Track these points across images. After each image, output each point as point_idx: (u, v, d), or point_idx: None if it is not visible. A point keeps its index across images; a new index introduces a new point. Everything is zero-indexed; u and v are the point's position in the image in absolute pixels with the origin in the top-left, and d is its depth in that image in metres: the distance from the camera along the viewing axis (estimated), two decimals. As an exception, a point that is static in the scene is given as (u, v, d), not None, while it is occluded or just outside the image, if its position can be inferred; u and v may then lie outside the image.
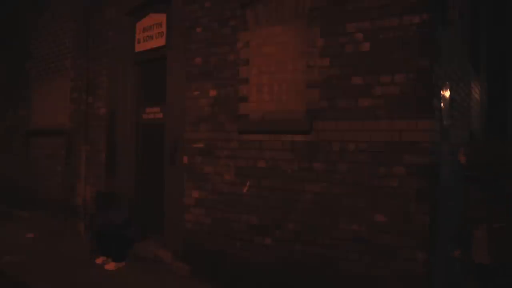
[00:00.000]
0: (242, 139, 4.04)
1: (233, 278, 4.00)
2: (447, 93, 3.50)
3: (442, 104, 3.27)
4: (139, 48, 5.50)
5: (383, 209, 3.10)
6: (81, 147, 6.12)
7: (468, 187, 3.13)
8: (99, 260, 4.73)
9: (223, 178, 4.17)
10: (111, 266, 4.58)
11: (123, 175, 5.60)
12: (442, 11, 3.24)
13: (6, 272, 4.48)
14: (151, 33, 5.31)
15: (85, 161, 6.04)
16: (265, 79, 3.91)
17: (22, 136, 7.55)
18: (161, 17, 5.16)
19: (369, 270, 3.14)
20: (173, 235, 4.66)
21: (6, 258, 4.87)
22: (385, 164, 3.11)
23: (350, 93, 3.31)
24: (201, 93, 4.45)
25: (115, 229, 4.76)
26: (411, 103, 3.02)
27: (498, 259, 2.89)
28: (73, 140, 6.31)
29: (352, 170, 3.28)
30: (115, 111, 5.67)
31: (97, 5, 6.03)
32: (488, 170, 3.04)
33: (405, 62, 3.04)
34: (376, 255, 3.12)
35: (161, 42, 5.14)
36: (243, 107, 4.07)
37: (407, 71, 3.04)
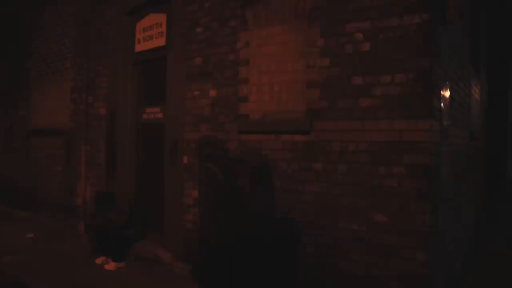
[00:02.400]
0: (242, 139, 4.04)
1: (233, 278, 3.99)
2: (447, 93, 3.51)
3: (442, 104, 3.27)
4: (139, 48, 5.50)
5: (383, 209, 3.11)
6: (81, 147, 6.12)
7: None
8: (99, 260, 4.74)
9: (223, 178, 4.17)
10: (111, 266, 4.58)
11: (123, 175, 5.60)
12: (442, 11, 3.24)
13: (6, 272, 4.49)
14: (151, 33, 5.31)
15: (85, 161, 6.05)
16: (265, 79, 3.91)
17: (22, 136, 7.55)
18: (161, 17, 5.17)
19: (369, 270, 3.14)
20: (173, 235, 4.66)
21: (6, 258, 4.87)
22: (385, 164, 3.12)
23: (350, 93, 3.31)
24: (201, 93, 4.46)
25: (115, 229, 4.76)
26: (411, 103, 3.02)
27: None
28: (73, 140, 6.31)
29: (352, 170, 3.28)
30: (115, 111, 5.67)
31: (97, 5, 6.03)
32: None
33: (405, 62, 3.04)
34: (376, 255, 3.12)
35: (161, 42, 5.15)
36: (243, 107, 4.07)
37: (407, 71, 3.04)
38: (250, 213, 2.75)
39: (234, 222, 2.84)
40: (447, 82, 3.52)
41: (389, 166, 3.10)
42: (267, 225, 2.58)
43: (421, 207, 2.94)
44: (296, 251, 2.80)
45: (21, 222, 6.81)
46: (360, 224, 3.21)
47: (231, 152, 3.43)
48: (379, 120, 3.15)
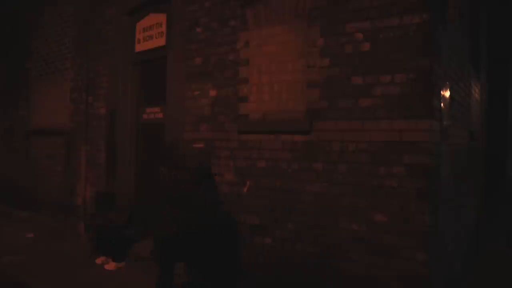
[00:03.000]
0: (242, 139, 4.04)
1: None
2: (447, 93, 3.51)
3: (442, 104, 3.27)
4: (139, 48, 5.50)
5: (383, 209, 3.11)
6: (81, 147, 6.12)
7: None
8: (99, 260, 4.74)
9: (223, 178, 4.17)
10: (111, 266, 4.58)
11: (123, 175, 5.60)
12: (442, 11, 3.24)
13: (6, 272, 4.48)
14: (151, 33, 5.31)
15: (85, 161, 6.05)
16: (265, 79, 3.91)
17: (22, 136, 7.55)
18: (161, 17, 5.16)
19: (369, 270, 3.14)
20: (173, 235, 4.66)
21: (6, 258, 4.87)
22: (385, 164, 3.11)
23: (350, 93, 3.31)
24: (201, 93, 4.45)
25: (115, 229, 4.76)
26: (411, 103, 3.02)
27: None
28: (73, 140, 6.31)
29: (352, 170, 3.28)
30: (115, 111, 5.67)
31: (97, 5, 6.03)
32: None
33: (405, 62, 3.04)
34: (376, 255, 3.12)
35: (161, 42, 5.15)
36: (243, 107, 4.07)
37: (407, 71, 3.04)
38: (192, 208, 3.39)
39: (177, 217, 3.42)
40: (447, 82, 3.52)
41: (389, 166, 3.09)
42: (207, 218, 3.36)
43: (421, 207, 2.94)
44: (235, 238, 3.73)
45: (21, 222, 6.81)
46: (360, 224, 3.21)
47: (187, 155, 3.89)
48: (379, 120, 3.15)
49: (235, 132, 4.10)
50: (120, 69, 5.64)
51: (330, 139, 3.42)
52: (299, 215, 3.57)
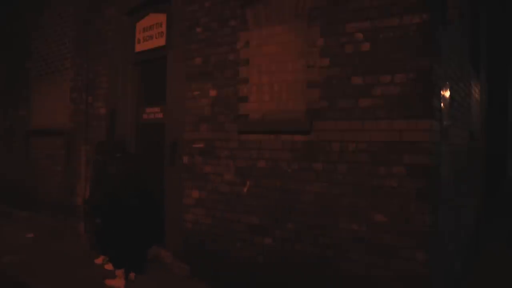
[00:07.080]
0: (242, 139, 4.04)
1: (233, 278, 4.00)
2: (447, 93, 3.51)
3: (442, 104, 3.27)
4: (139, 48, 5.50)
5: (383, 209, 3.11)
6: (81, 147, 6.12)
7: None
8: (99, 260, 4.74)
9: (223, 178, 4.17)
10: (110, 266, 4.57)
11: (123, 175, 5.59)
12: (442, 11, 3.24)
13: (6, 272, 4.49)
14: (151, 33, 5.31)
15: (85, 161, 6.05)
16: (265, 79, 3.91)
17: (22, 136, 7.55)
18: (161, 17, 5.16)
19: (369, 270, 3.14)
20: (173, 235, 4.66)
21: (6, 258, 4.87)
22: (385, 164, 3.11)
23: (350, 93, 3.31)
24: (201, 93, 4.46)
25: (115, 229, 4.75)
26: (411, 103, 3.02)
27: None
28: (73, 140, 6.31)
29: (352, 170, 3.28)
30: (115, 111, 5.66)
31: (97, 5, 6.03)
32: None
33: (405, 62, 3.04)
34: (376, 255, 3.12)
35: (161, 42, 5.14)
36: (243, 107, 4.07)
37: (407, 71, 3.04)
38: (117, 184, 4.33)
39: (106, 191, 4.39)
40: (447, 82, 3.52)
41: (389, 166, 3.09)
42: (131, 192, 4.29)
43: (421, 207, 2.94)
44: (159, 213, 4.63)
45: (21, 222, 6.81)
46: (360, 224, 3.21)
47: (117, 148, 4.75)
48: (379, 120, 3.15)
49: (235, 132, 4.10)
50: (120, 69, 5.64)
51: (330, 139, 3.42)
52: (299, 215, 3.57)
